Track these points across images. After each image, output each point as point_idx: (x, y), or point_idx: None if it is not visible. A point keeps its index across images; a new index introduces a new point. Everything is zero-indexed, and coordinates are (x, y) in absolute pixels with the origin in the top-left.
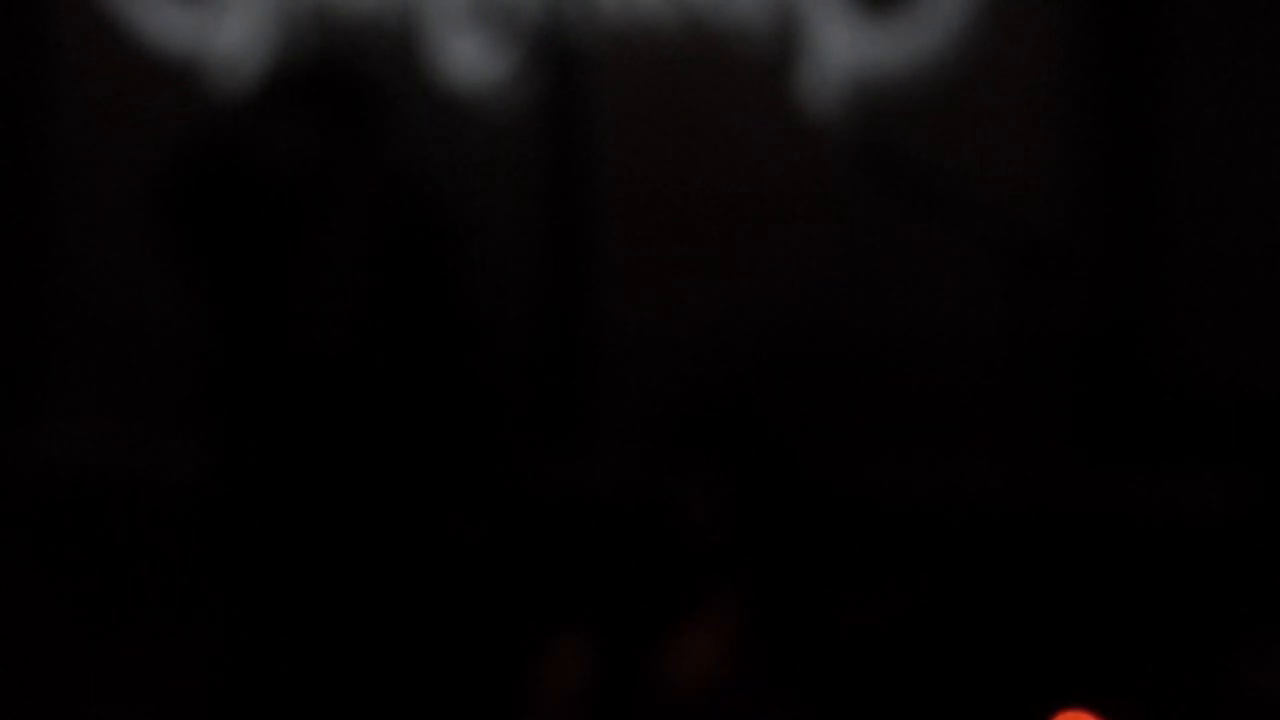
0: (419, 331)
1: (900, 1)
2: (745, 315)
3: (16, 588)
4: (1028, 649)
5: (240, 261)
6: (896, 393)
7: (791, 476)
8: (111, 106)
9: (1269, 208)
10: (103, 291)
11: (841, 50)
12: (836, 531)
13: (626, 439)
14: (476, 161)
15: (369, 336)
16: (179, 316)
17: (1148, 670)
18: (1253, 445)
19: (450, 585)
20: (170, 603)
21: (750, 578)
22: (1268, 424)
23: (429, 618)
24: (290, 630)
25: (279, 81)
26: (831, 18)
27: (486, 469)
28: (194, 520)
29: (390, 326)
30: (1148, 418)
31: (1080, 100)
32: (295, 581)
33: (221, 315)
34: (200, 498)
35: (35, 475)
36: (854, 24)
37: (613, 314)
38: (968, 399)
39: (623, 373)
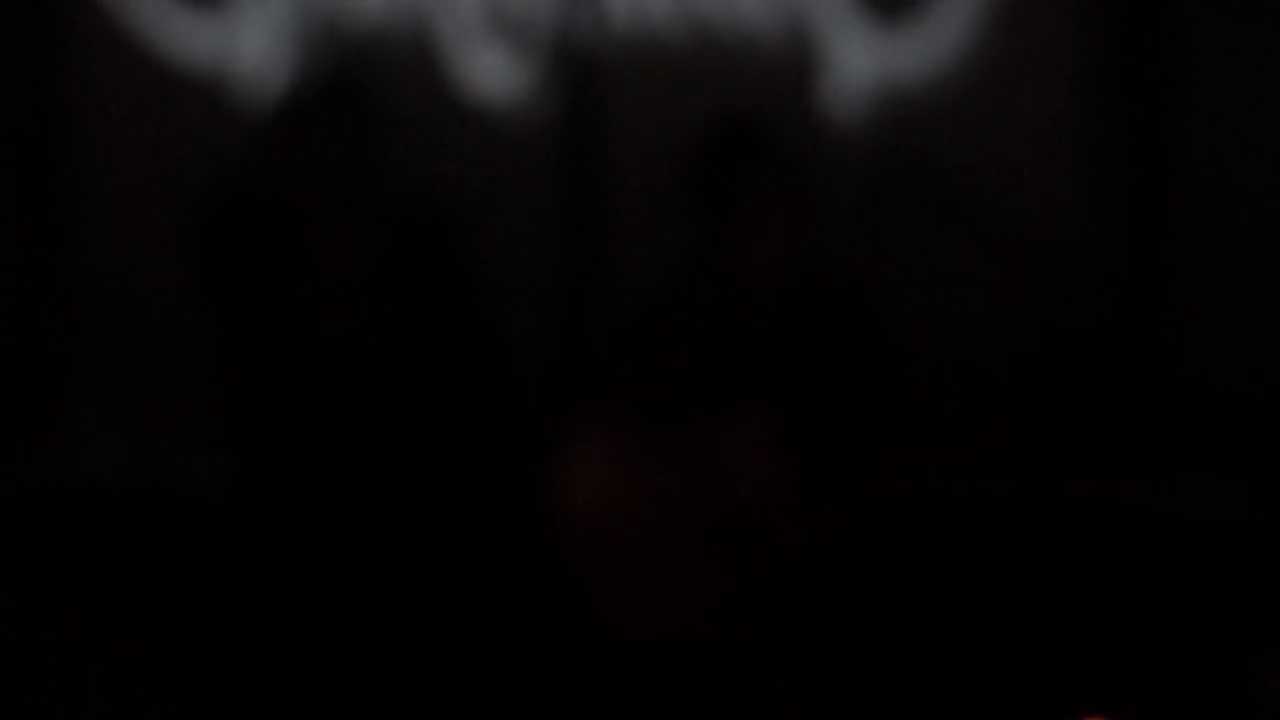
0: (439, 343)
1: (911, 11)
2: None
3: (34, 602)
4: (1042, 653)
5: (265, 279)
6: (911, 398)
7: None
8: (131, 120)
9: None
10: (123, 307)
11: (853, 60)
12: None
13: None
14: (493, 172)
15: (391, 350)
16: (200, 332)
17: (1162, 675)
18: (1267, 450)
19: (469, 592)
20: (187, 615)
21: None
22: None
23: (448, 629)
24: (307, 641)
25: (300, 98)
26: (842, 28)
27: (504, 478)
28: (213, 535)
29: (411, 339)
30: (1163, 422)
31: (1094, 109)
32: (314, 594)
33: (244, 331)
34: (219, 512)
35: (53, 490)
36: (865, 34)
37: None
38: (984, 403)
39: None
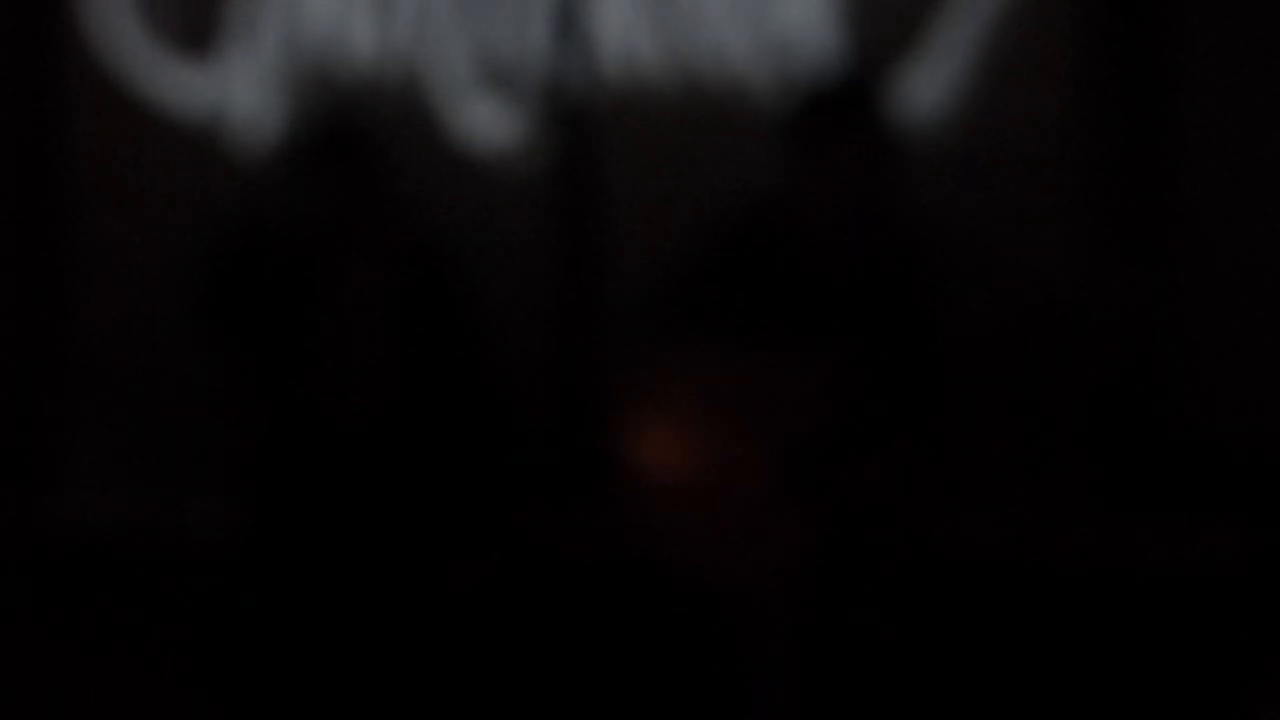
0: (438, 390)
1: (898, 60)
2: None
3: (36, 649)
4: (1047, 698)
5: (267, 328)
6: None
7: None
8: (123, 168)
9: None
10: (122, 355)
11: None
12: None
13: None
14: (487, 221)
15: (390, 395)
16: (201, 380)
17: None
18: (1269, 496)
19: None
20: (188, 659)
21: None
22: None
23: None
24: (312, 685)
25: (297, 149)
26: (829, 74)
27: (507, 520)
28: (215, 581)
29: (410, 386)
30: (1165, 467)
31: (1094, 152)
32: (317, 636)
33: (245, 379)
34: (221, 557)
35: (54, 537)
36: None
37: (625, 369)
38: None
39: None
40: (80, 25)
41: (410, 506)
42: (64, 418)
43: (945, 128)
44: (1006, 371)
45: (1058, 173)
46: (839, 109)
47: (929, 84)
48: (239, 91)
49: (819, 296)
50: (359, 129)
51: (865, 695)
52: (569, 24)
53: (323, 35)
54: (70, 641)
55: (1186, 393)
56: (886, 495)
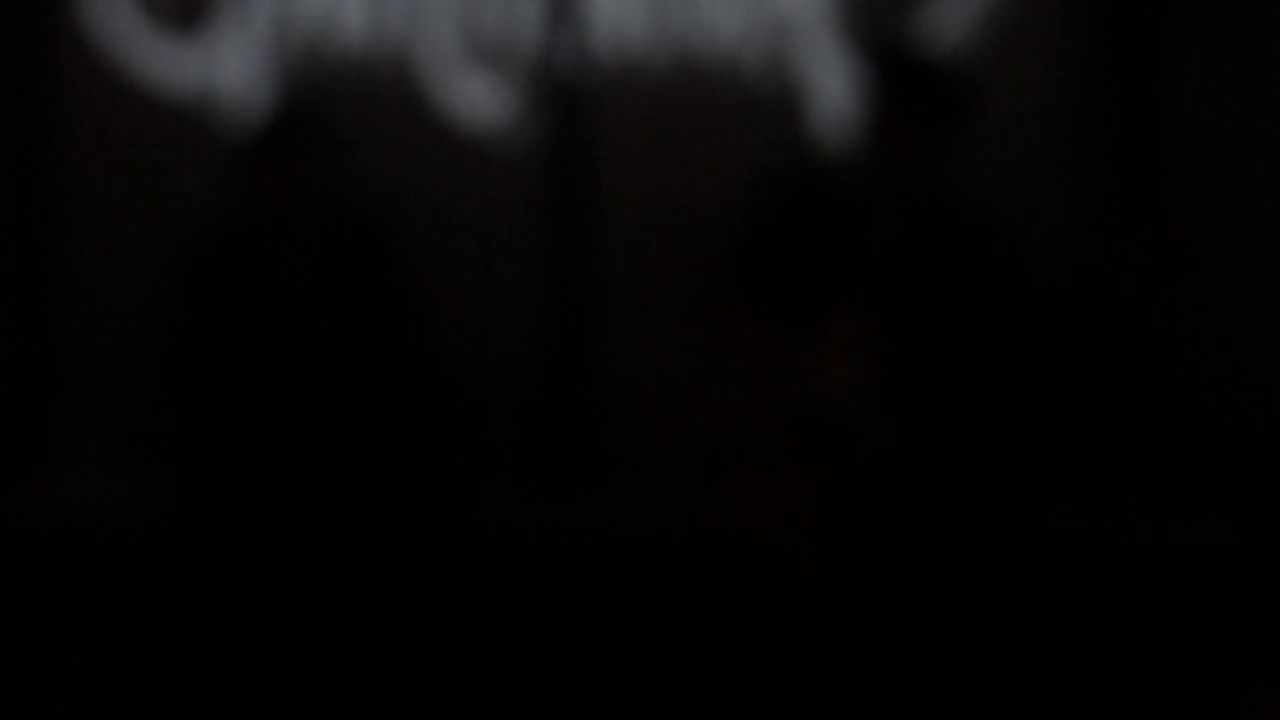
0: (419, 372)
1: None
2: None
3: (21, 639)
4: (1034, 683)
5: (249, 314)
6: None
7: None
8: (115, 148)
9: None
10: (108, 341)
11: (832, 84)
12: None
13: (628, 474)
14: (477, 198)
15: (372, 377)
16: (184, 367)
17: (1155, 708)
18: (1260, 487)
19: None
20: (166, 651)
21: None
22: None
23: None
24: (284, 674)
25: (271, 128)
26: (821, 52)
27: (478, 506)
28: (189, 570)
29: (390, 368)
30: (1164, 458)
31: (1091, 138)
32: (290, 626)
33: (228, 367)
34: (192, 547)
35: (39, 529)
36: (843, 58)
37: (614, 349)
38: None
39: (623, 407)
40: (72, 3)
41: (355, 491)
42: (57, 404)
43: None
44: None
45: (1059, 148)
46: (925, 81)
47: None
48: (230, 70)
49: (858, 262)
50: (310, 113)
51: (874, 660)
52: (561, 2)
53: (314, 13)
54: (62, 631)
55: (1183, 379)
56: (904, 461)
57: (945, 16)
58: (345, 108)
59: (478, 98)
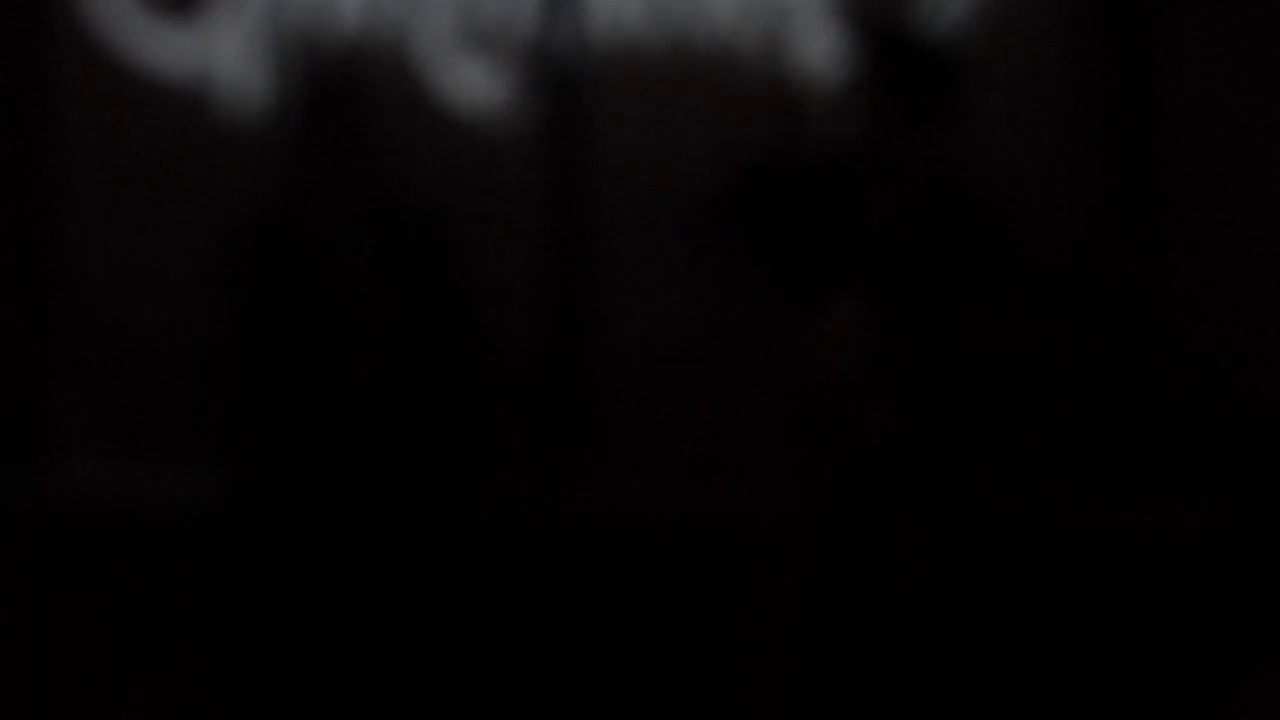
0: (425, 349)
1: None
2: None
3: (25, 618)
4: (1030, 666)
5: (303, 295)
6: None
7: None
8: (111, 132)
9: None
10: (109, 320)
11: (828, 66)
12: None
13: (626, 448)
14: (473, 182)
15: (388, 356)
16: (187, 344)
17: (1150, 690)
18: (1259, 464)
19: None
20: (180, 629)
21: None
22: (1272, 443)
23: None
24: (301, 654)
25: (293, 110)
26: (816, 32)
27: (494, 480)
28: (203, 549)
29: (398, 346)
30: (1154, 436)
31: (1085, 116)
32: (307, 605)
33: (282, 349)
34: (210, 524)
35: (44, 507)
36: (838, 40)
37: (610, 327)
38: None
39: (619, 381)
40: None
41: (403, 470)
42: (57, 387)
43: None
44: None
45: (1054, 128)
46: (918, 61)
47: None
48: (225, 53)
49: (857, 244)
50: (353, 89)
51: (871, 641)
52: None
53: None
54: (65, 611)
55: (1178, 360)
56: (902, 442)
57: None
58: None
59: (475, 82)
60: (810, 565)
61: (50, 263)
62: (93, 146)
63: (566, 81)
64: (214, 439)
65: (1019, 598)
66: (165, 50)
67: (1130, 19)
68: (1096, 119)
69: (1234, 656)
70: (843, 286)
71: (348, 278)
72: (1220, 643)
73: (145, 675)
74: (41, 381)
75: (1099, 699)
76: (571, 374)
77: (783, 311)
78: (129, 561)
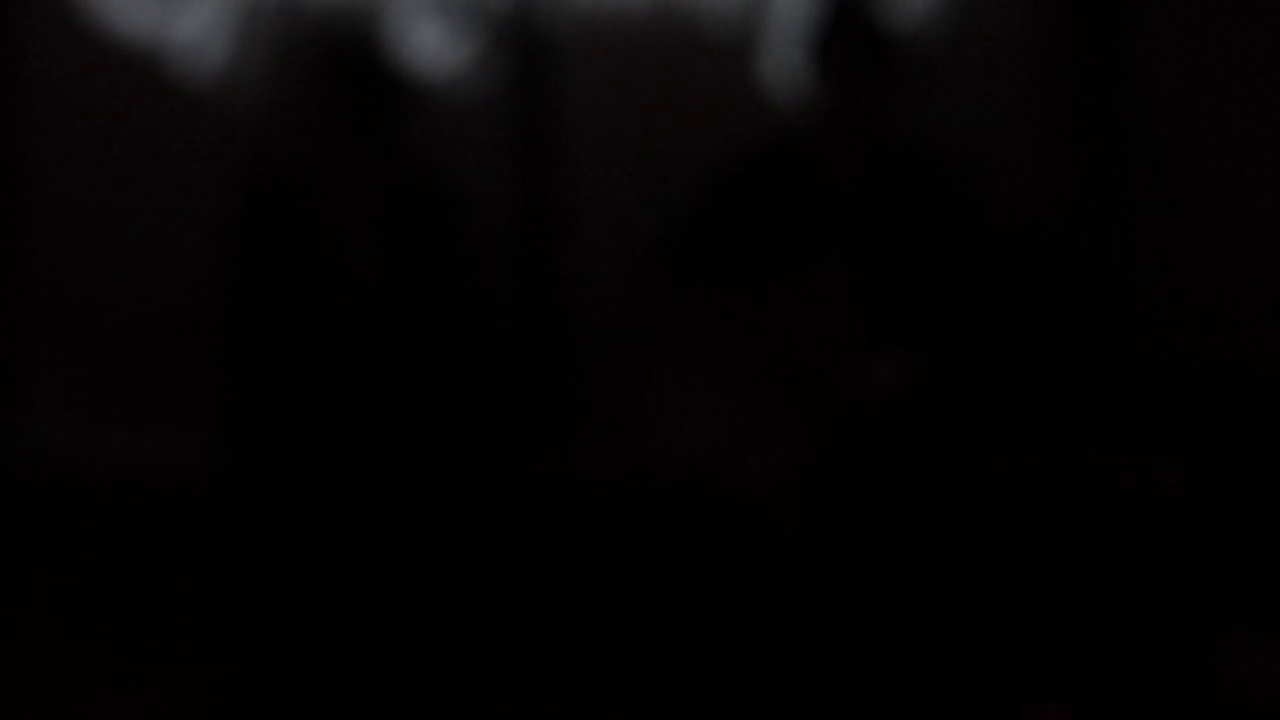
0: (397, 321)
1: None
2: None
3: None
4: (1000, 634)
5: (307, 263)
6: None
7: None
8: (76, 94)
9: (1242, 196)
10: (77, 283)
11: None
12: None
13: (598, 417)
14: (446, 149)
15: (355, 327)
16: (154, 308)
17: (1121, 658)
18: (1233, 431)
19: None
20: (158, 595)
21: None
22: (1243, 409)
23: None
24: (289, 625)
25: (306, 74)
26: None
27: (482, 449)
28: (182, 513)
29: (373, 317)
30: (1122, 401)
31: (1054, 87)
32: (293, 574)
33: (284, 317)
34: (190, 490)
35: (18, 471)
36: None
37: (581, 300)
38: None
39: (589, 350)
40: None
41: (401, 439)
42: (26, 352)
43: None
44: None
45: (1023, 94)
46: (848, 31)
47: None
48: (190, 15)
49: (830, 212)
50: (368, 56)
51: (864, 602)
52: None
53: None
54: (33, 580)
55: (1147, 323)
56: (890, 409)
57: None
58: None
59: (445, 43)
60: (799, 531)
61: (18, 229)
62: (58, 106)
63: (541, 47)
64: (189, 407)
65: (999, 558)
66: (133, 12)
67: None
68: (1063, 84)
69: (1206, 621)
70: (817, 256)
71: (339, 246)
72: (1193, 607)
73: (120, 645)
74: (10, 348)
75: (1073, 659)
76: (543, 341)
77: (760, 286)
78: (99, 529)
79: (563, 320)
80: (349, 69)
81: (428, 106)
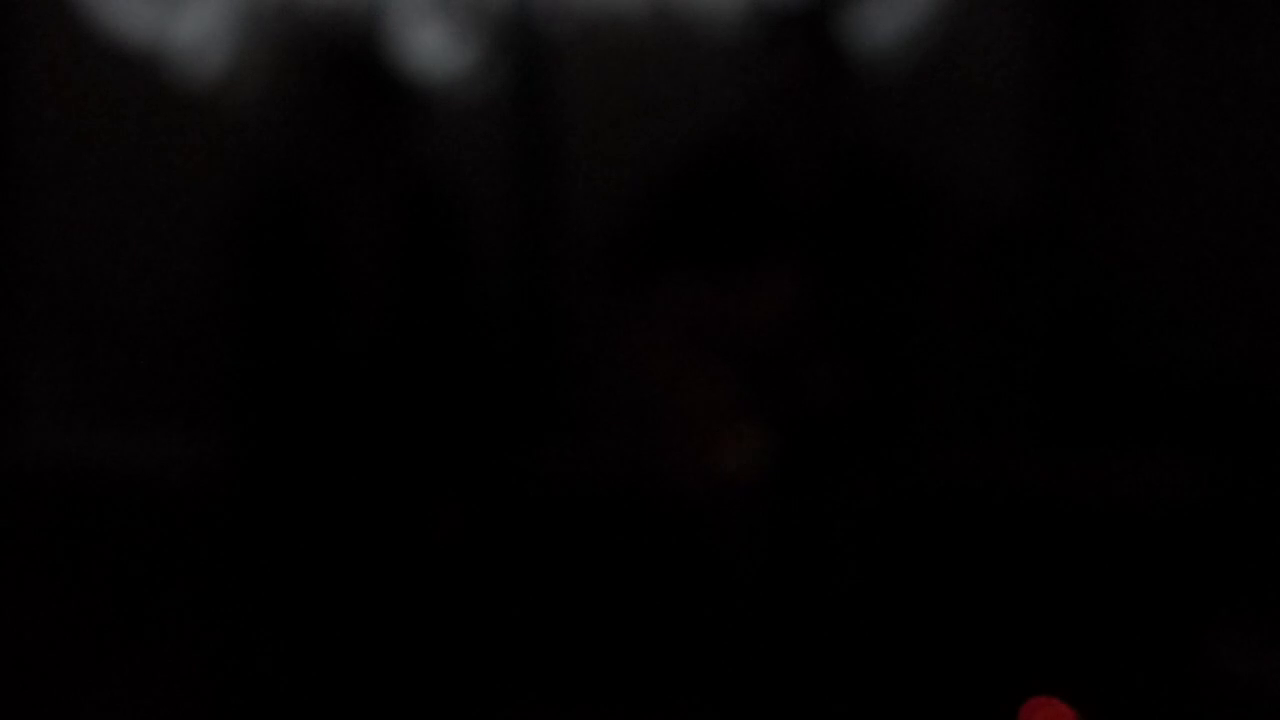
0: (398, 323)
1: None
2: None
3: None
4: (997, 632)
5: (313, 263)
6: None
7: None
8: (72, 97)
9: (1234, 192)
10: (77, 284)
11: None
12: None
13: (599, 421)
14: (446, 151)
15: (355, 328)
16: (155, 309)
17: (1119, 655)
18: (1224, 429)
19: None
20: (157, 598)
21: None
22: (1238, 407)
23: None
24: (290, 627)
25: (312, 78)
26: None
27: (480, 451)
28: (182, 516)
29: (373, 320)
30: (1116, 400)
31: (1047, 81)
32: (294, 577)
33: (290, 317)
34: (191, 493)
35: (18, 471)
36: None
37: (580, 301)
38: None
39: (590, 351)
40: None
41: (401, 439)
42: (26, 352)
43: (905, 53)
44: (958, 297)
45: (1013, 98)
46: (793, 30)
47: (890, 10)
48: (190, 17)
49: (780, 214)
50: (369, 58)
51: (825, 604)
52: None
53: None
54: (33, 577)
55: (1134, 321)
56: (842, 409)
57: None
58: (309, 59)
59: (444, 45)
60: (758, 534)
61: (19, 230)
62: (57, 108)
63: (540, 47)
64: (189, 408)
65: (968, 561)
66: (133, 14)
67: None
68: (1052, 78)
69: (1197, 620)
70: (773, 255)
71: (339, 248)
72: (1183, 606)
73: (120, 646)
74: (10, 348)
75: (1056, 662)
76: (537, 344)
77: (719, 286)
78: (99, 529)
79: (563, 321)
80: (349, 71)
81: (428, 109)
